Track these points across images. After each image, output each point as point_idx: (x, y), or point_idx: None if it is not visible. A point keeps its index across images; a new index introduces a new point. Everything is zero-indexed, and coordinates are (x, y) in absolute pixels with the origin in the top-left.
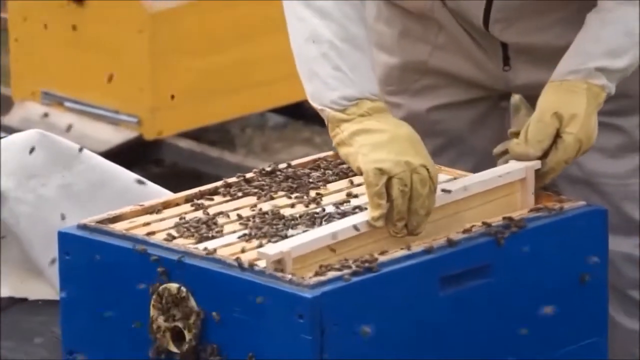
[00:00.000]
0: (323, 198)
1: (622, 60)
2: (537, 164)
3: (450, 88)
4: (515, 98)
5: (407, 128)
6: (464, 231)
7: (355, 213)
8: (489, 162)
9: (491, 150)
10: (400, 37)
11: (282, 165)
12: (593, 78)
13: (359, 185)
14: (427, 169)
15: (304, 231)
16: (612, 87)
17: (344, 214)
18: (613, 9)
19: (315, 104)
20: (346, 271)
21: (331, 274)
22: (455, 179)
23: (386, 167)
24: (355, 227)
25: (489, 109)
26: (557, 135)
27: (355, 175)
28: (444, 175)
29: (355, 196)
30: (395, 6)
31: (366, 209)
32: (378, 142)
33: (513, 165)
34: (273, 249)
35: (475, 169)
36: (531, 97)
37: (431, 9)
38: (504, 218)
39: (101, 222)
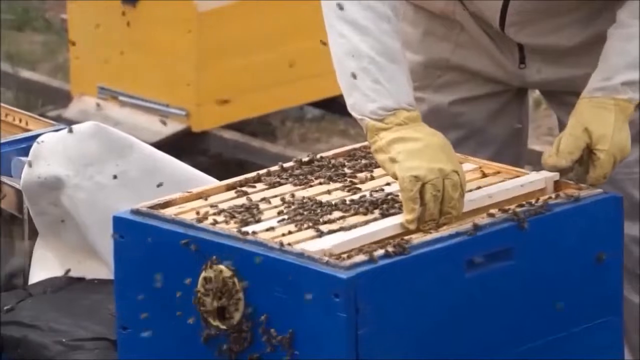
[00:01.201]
0: (357, 185)
1: None
2: (556, 175)
3: (470, 83)
4: (536, 94)
5: (440, 136)
6: (488, 215)
7: (388, 202)
8: (507, 151)
9: (508, 140)
10: (424, 37)
11: (320, 155)
12: (619, 93)
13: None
14: (458, 175)
15: (341, 217)
16: (638, 96)
17: (377, 201)
18: (632, 24)
19: (355, 114)
20: (379, 253)
21: (365, 256)
22: (480, 167)
23: (421, 175)
24: (391, 229)
25: (506, 102)
26: (591, 152)
27: None
28: (469, 165)
29: (388, 184)
30: (419, 8)
31: (397, 196)
32: (413, 150)
33: (534, 175)
34: (314, 245)
35: (493, 158)
36: (547, 93)
37: (453, 11)
38: (526, 204)
39: (152, 207)
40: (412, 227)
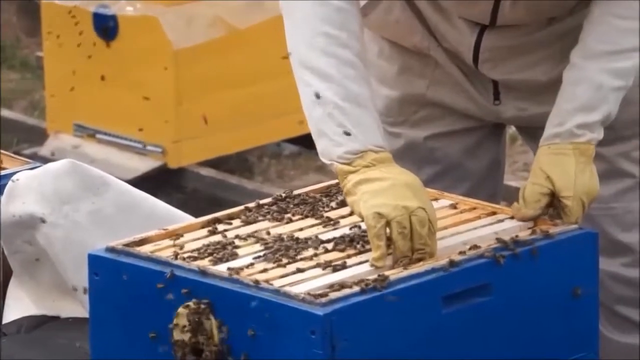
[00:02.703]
0: (334, 222)
1: (597, 113)
2: (530, 223)
3: (446, 119)
4: (512, 129)
5: (409, 175)
6: (465, 252)
7: (364, 238)
8: (483, 186)
9: (485, 176)
10: (400, 72)
11: (296, 192)
12: (577, 137)
13: None
14: (426, 211)
15: (317, 253)
16: (599, 134)
17: (353, 238)
18: (583, 66)
19: (324, 160)
20: (356, 289)
21: (342, 292)
22: (456, 204)
23: (384, 212)
24: (367, 266)
25: (483, 137)
26: (557, 199)
27: None
28: (445, 201)
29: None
30: (395, 44)
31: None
32: (378, 189)
33: (508, 223)
34: (291, 282)
35: (470, 193)
36: (522, 129)
37: (427, 47)
38: (502, 241)
39: (128, 244)
40: (379, 264)
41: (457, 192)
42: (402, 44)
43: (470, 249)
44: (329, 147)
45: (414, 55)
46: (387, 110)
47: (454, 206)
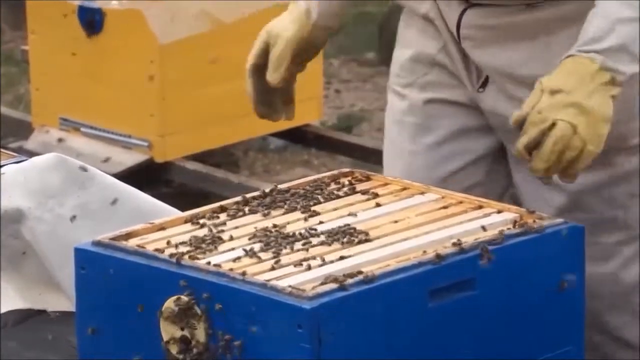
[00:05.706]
0: (320, 216)
1: (606, 41)
2: (517, 217)
3: (451, 87)
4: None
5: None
6: (452, 246)
7: (350, 232)
8: (479, 165)
9: (481, 155)
10: (417, 34)
11: (282, 186)
12: (572, 54)
13: (352, 204)
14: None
15: (304, 248)
16: (606, 61)
17: (340, 231)
18: (597, 4)
19: None
20: (342, 283)
21: (329, 286)
22: (442, 197)
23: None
24: (355, 259)
25: (484, 119)
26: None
27: (349, 195)
28: (432, 195)
29: (350, 214)
30: (413, 13)
31: (361, 233)
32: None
33: (495, 217)
34: (278, 276)
35: (464, 171)
36: (495, 126)
37: (434, 18)
38: (488, 235)
39: (114, 238)
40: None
41: (455, 165)
42: (415, 12)
43: (456, 243)
44: None
45: (430, 23)
46: (400, 70)
47: (440, 200)
